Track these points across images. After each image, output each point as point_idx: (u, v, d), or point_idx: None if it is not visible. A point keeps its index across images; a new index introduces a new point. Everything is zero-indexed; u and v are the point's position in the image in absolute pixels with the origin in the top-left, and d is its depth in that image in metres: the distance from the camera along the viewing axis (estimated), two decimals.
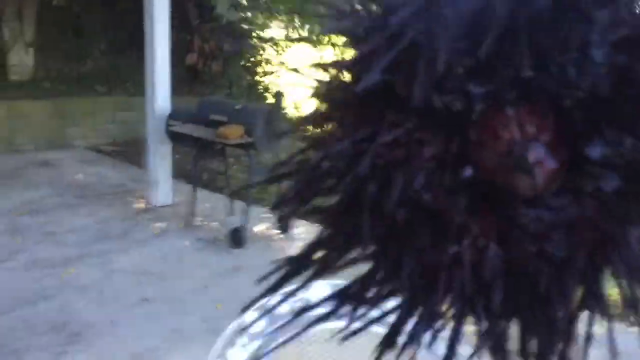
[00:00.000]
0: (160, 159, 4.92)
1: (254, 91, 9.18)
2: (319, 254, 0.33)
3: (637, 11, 0.29)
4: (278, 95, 4.80)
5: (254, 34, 9.53)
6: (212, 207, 4.97)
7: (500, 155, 0.27)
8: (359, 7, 0.31)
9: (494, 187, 0.27)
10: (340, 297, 0.33)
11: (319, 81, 0.32)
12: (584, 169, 0.27)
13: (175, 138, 4.57)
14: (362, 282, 0.32)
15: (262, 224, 4.72)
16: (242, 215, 4.26)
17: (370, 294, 0.31)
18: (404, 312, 0.30)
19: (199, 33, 8.30)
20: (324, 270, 0.33)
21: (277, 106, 4.56)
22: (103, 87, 7.67)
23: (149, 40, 4.80)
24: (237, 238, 4.18)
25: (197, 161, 4.56)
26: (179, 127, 4.43)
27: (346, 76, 0.31)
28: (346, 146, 0.29)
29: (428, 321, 0.30)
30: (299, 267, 0.34)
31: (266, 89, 9.60)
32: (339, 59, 0.31)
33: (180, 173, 5.73)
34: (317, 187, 0.32)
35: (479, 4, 0.26)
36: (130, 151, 6.47)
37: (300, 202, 0.34)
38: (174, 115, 4.62)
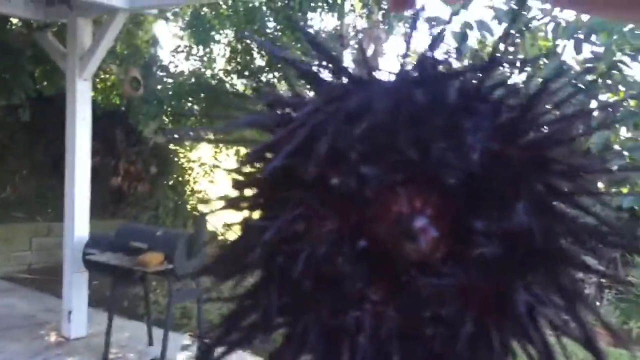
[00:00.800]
0: (76, 288, 4.76)
1: (181, 212, 9.16)
2: (239, 328, 0.37)
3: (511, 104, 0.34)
4: (200, 220, 4.83)
5: (181, 155, 9.67)
6: (130, 336, 4.79)
7: (389, 227, 0.31)
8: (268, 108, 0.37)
9: (388, 256, 0.31)
10: None
11: (234, 170, 0.36)
12: (469, 240, 0.31)
13: (93, 266, 4.46)
14: (279, 353, 0.35)
15: (183, 353, 4.56)
16: (162, 345, 4.12)
17: None
18: None
19: (125, 156, 8.35)
20: (245, 340, 0.37)
21: (199, 231, 4.57)
22: (22, 213, 7.48)
23: (69, 166, 4.80)
24: None
25: (115, 290, 4.44)
26: (97, 256, 4.35)
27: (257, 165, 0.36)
28: (256, 223, 0.34)
29: None
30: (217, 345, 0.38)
31: (194, 210, 9.61)
32: (251, 150, 0.36)
33: (98, 300, 5.54)
34: (236, 261, 0.36)
35: (366, 101, 0.31)
36: (46, 279, 6.22)
37: (223, 276, 0.39)
38: (91, 243, 4.54)
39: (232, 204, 0.37)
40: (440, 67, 0.34)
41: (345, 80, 0.36)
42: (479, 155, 0.31)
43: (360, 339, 0.31)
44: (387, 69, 0.35)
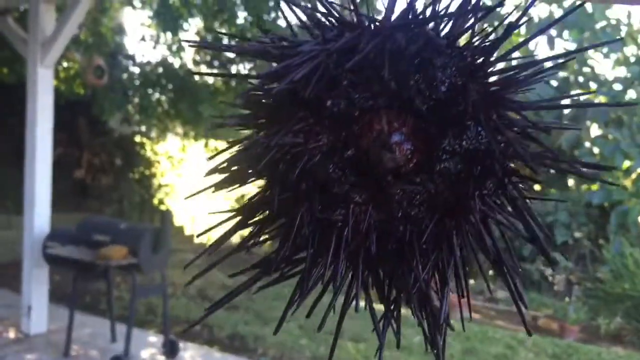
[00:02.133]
0: (36, 283, 4.57)
1: (147, 206, 8.98)
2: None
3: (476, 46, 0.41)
4: (166, 215, 4.69)
5: (148, 148, 9.47)
6: (92, 333, 4.63)
7: (372, 141, 0.38)
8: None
9: (370, 165, 0.38)
10: (263, 265, 0.45)
11: (244, 93, 0.42)
12: (437, 155, 0.39)
13: (53, 261, 4.29)
14: (279, 248, 0.42)
15: (147, 350, 4.43)
16: (125, 342, 3.98)
17: (285, 254, 0.42)
18: (309, 263, 0.41)
19: (89, 147, 8.12)
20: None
21: (165, 226, 4.43)
22: None
23: (29, 157, 4.61)
24: None
25: (77, 284, 4.27)
26: (58, 249, 4.18)
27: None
28: (262, 138, 0.40)
29: (327, 268, 0.41)
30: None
31: (160, 204, 9.42)
32: (262, 73, 0.41)
33: (59, 296, 5.35)
34: (245, 168, 0.42)
35: (357, 41, 0.38)
36: (5, 274, 6.00)
37: (232, 182, 0.44)
38: (52, 236, 4.37)
39: (241, 122, 0.42)
40: (420, 16, 0.40)
41: (340, 24, 0.42)
42: (446, 88, 0.38)
43: (345, 230, 0.39)
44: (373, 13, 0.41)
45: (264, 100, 0.42)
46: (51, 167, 4.68)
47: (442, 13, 0.40)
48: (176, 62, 7.34)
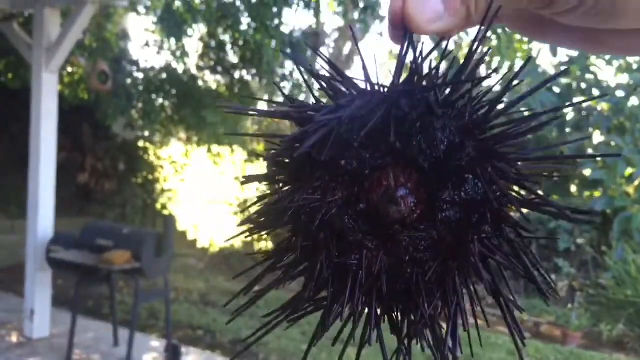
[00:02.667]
0: (40, 288, 4.59)
1: (150, 211, 8.99)
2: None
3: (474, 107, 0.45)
4: (169, 220, 4.71)
5: (151, 153, 9.49)
6: (95, 337, 4.64)
7: (380, 195, 0.44)
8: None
9: (379, 217, 0.44)
10: (293, 304, 0.50)
11: (269, 154, 0.48)
12: (438, 205, 0.44)
13: (57, 265, 4.31)
14: (304, 289, 0.47)
15: (149, 354, 4.44)
16: (127, 346, 3.99)
17: (310, 294, 0.47)
18: (330, 301, 0.47)
19: (92, 152, 8.15)
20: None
21: (168, 231, 4.44)
22: None
23: (33, 162, 4.64)
24: None
25: (79, 289, 4.29)
26: (61, 254, 4.20)
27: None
28: (287, 192, 0.46)
29: (345, 305, 0.46)
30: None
31: (163, 208, 9.44)
32: (285, 139, 0.47)
33: (63, 300, 5.37)
34: (273, 218, 0.48)
35: (367, 107, 0.43)
36: (8, 278, 6.02)
37: (263, 228, 0.50)
38: (56, 241, 4.39)
39: (268, 178, 0.49)
40: (424, 81, 0.45)
41: (352, 90, 0.48)
42: (445, 146, 0.44)
43: (359, 273, 0.45)
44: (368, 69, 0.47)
45: (286, 160, 0.48)
46: (55, 172, 4.71)
47: (440, 81, 0.47)
48: (180, 68, 7.37)
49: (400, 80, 0.46)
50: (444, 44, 0.48)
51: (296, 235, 0.48)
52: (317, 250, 0.46)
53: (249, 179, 0.50)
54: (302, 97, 9.57)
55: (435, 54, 0.47)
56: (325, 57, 0.50)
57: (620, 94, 7.27)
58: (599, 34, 0.46)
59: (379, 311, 0.48)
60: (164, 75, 7.23)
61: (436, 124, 0.44)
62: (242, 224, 0.51)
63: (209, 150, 9.24)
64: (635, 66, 7.43)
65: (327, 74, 0.50)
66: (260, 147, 10.47)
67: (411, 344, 0.49)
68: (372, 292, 0.46)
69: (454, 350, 0.48)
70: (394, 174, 0.45)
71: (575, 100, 7.68)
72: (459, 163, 0.44)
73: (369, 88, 0.48)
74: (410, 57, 0.46)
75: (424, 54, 0.47)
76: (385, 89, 0.47)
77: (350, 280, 0.46)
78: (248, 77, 7.13)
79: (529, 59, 0.48)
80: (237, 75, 7.21)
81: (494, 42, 7.08)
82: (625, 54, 0.46)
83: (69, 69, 7.18)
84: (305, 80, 0.55)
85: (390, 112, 0.43)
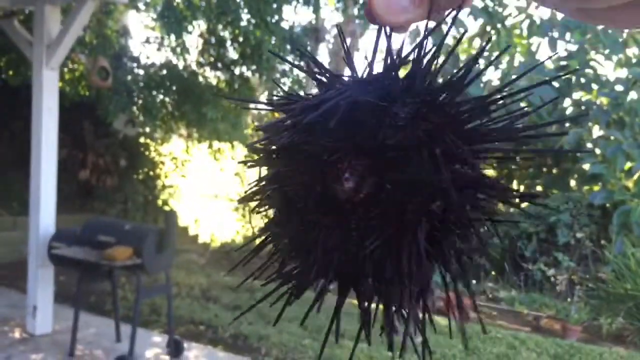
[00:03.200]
0: (42, 284, 4.62)
1: (151, 207, 9.01)
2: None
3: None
4: (170, 215, 4.73)
5: (152, 149, 9.51)
6: (97, 333, 4.68)
7: (332, 178, 0.48)
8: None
9: (334, 196, 0.49)
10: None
11: (251, 144, 0.55)
12: (386, 187, 0.48)
13: (59, 261, 4.33)
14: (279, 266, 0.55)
15: (152, 350, 4.47)
16: (129, 342, 4.02)
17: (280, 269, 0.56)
18: (299, 273, 0.54)
19: (93, 148, 8.17)
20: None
21: (169, 226, 4.47)
22: None
23: (35, 158, 4.66)
24: None
25: (81, 285, 4.32)
26: (63, 250, 4.23)
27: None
28: (267, 175, 0.54)
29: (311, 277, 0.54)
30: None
31: (164, 204, 9.47)
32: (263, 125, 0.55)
33: (65, 296, 5.40)
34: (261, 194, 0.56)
35: (334, 100, 0.47)
36: (10, 275, 6.05)
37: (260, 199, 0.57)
38: (57, 237, 4.42)
39: (253, 164, 0.56)
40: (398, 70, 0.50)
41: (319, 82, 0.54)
42: (397, 129, 0.47)
43: (320, 245, 0.51)
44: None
45: (267, 149, 0.56)
46: (57, 169, 4.73)
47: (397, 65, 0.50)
48: (180, 64, 7.38)
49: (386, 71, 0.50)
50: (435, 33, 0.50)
51: (273, 215, 0.56)
52: (290, 223, 0.53)
53: (246, 163, 0.56)
54: (302, 93, 9.56)
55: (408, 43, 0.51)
56: (309, 53, 0.57)
57: (619, 88, 7.28)
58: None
59: (338, 283, 0.54)
60: (165, 72, 7.25)
61: (392, 109, 0.47)
62: (240, 201, 0.59)
63: (210, 146, 9.26)
64: (634, 60, 7.44)
65: (318, 69, 0.55)
66: None
67: (369, 312, 0.56)
68: (328, 265, 0.52)
69: (405, 333, 0.52)
70: (346, 158, 0.49)
71: (575, 94, 7.71)
72: (408, 144, 0.46)
73: (334, 80, 0.53)
74: (384, 48, 0.50)
75: (401, 46, 0.50)
76: (356, 80, 0.52)
77: (312, 254, 0.51)
78: (248, 73, 7.14)
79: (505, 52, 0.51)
80: (237, 71, 7.22)
81: (494, 37, 7.09)
82: (613, 26, 0.47)
83: (70, 66, 7.20)
84: (307, 72, 0.61)
85: (344, 99, 0.47)
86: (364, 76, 0.52)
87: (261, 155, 0.55)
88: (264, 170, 0.56)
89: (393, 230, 0.49)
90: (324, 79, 0.55)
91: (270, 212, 0.57)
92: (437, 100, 0.49)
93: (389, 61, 0.50)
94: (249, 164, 0.57)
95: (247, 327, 5.15)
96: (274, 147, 0.53)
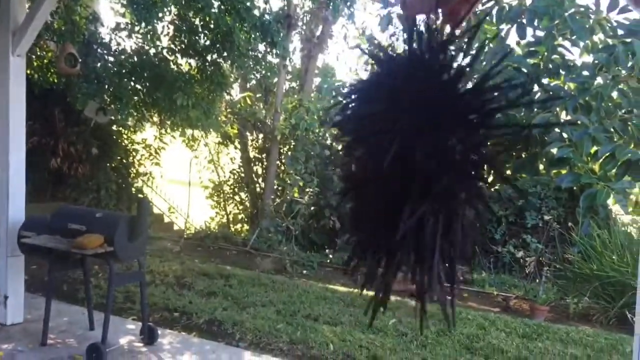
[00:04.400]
0: (12, 273, 4.59)
1: (124, 195, 8.95)
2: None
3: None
4: (143, 203, 4.72)
5: (124, 137, 9.43)
6: (70, 321, 4.67)
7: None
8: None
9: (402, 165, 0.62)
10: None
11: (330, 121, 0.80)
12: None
13: (29, 250, 4.31)
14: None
15: (125, 337, 4.48)
16: (102, 329, 4.02)
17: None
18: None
19: (65, 136, 8.08)
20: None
21: (142, 214, 4.46)
22: None
23: (2, 147, 4.60)
24: (95, 356, 3.92)
25: (53, 273, 4.30)
26: (32, 239, 4.20)
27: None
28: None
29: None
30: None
31: (138, 192, 9.41)
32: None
33: (36, 285, 5.37)
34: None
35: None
36: None
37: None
38: (27, 226, 4.38)
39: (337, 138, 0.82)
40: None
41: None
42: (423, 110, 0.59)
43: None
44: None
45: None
46: (25, 157, 4.68)
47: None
48: (151, 51, 7.32)
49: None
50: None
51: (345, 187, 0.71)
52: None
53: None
54: (275, 80, 9.58)
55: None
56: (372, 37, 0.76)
57: (586, 73, 7.41)
58: None
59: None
60: (136, 59, 7.17)
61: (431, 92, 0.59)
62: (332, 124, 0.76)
63: (183, 134, 9.21)
64: (600, 46, 7.57)
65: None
66: (234, 129, 10.48)
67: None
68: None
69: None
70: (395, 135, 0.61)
71: (544, 80, 7.82)
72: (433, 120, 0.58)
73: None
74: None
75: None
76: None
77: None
78: (220, 60, 7.11)
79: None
80: (209, 58, 7.18)
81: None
82: None
83: (38, 53, 7.09)
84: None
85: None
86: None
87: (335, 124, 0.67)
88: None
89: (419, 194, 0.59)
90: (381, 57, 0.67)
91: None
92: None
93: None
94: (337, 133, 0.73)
95: (221, 313, 5.19)
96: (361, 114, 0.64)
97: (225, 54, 6.76)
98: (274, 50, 6.80)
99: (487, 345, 4.88)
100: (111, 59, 7.22)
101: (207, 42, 7.03)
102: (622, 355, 4.84)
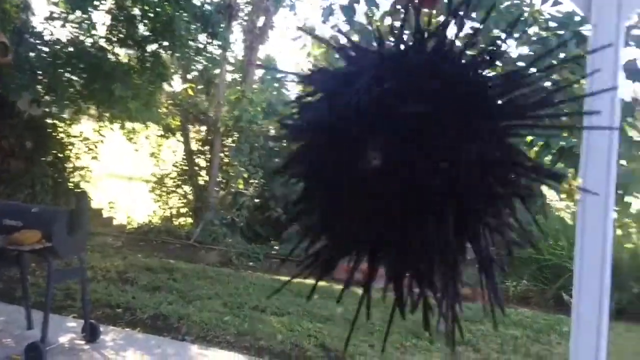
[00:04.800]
0: None
1: (62, 190, 8.67)
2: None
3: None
4: (81, 197, 4.59)
5: (60, 130, 9.12)
6: (7, 320, 4.51)
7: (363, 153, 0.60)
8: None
9: (363, 169, 0.61)
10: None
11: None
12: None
13: None
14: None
15: (66, 336, 4.36)
16: (42, 328, 3.90)
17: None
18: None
19: None
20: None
21: (81, 208, 4.34)
22: None
23: None
24: (34, 355, 3.79)
25: None
26: None
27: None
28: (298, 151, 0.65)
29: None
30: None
31: (76, 187, 9.12)
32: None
33: None
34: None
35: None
36: None
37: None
38: None
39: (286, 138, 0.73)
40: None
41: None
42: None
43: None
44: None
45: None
46: None
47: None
48: (88, 41, 7.09)
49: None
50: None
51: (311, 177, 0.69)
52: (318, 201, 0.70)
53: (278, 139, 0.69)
54: (217, 71, 9.47)
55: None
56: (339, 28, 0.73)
57: (521, 64, 7.63)
58: None
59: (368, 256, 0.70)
60: (71, 49, 6.94)
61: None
62: (275, 172, 0.72)
63: (122, 127, 8.98)
64: (534, 38, 7.82)
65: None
66: (175, 121, 10.29)
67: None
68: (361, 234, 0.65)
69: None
70: (374, 134, 0.59)
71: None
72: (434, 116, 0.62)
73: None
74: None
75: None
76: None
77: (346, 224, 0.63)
78: (160, 50, 6.97)
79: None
80: (148, 48, 7.02)
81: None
82: None
83: None
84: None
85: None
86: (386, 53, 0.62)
87: (292, 129, 0.63)
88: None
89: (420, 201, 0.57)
90: (351, 53, 0.63)
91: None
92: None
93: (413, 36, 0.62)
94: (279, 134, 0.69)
95: (166, 307, 5.11)
96: (306, 122, 0.60)
97: (165, 44, 6.62)
98: (215, 41, 6.72)
99: (431, 330, 4.99)
100: (45, 49, 6.95)
101: (147, 32, 6.87)
102: (559, 335, 5.05)
